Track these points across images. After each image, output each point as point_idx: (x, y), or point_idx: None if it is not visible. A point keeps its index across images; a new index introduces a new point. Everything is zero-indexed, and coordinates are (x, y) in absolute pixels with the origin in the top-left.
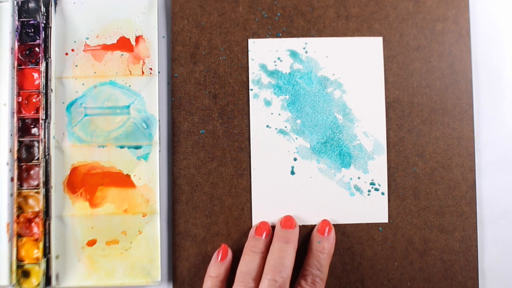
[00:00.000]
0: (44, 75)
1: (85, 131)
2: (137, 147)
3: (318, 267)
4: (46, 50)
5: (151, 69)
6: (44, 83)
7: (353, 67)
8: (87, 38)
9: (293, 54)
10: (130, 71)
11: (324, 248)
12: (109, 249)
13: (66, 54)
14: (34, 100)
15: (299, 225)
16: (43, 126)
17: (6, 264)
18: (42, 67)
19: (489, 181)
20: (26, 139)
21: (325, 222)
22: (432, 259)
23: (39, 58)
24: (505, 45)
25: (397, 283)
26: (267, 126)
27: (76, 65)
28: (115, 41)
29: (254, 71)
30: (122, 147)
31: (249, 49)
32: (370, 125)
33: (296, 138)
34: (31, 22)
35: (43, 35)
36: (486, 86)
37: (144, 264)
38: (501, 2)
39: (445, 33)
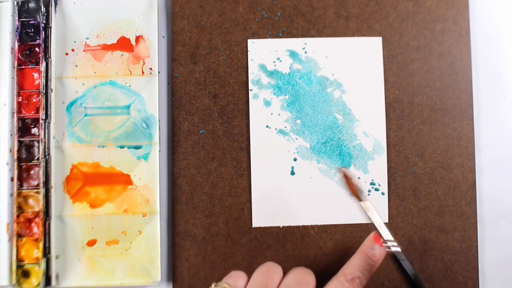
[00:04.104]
0: (44, 75)
1: (85, 131)
2: (137, 147)
3: (361, 271)
4: (46, 50)
5: (151, 69)
6: (44, 83)
7: (352, 67)
8: (87, 38)
9: (293, 54)
10: (130, 71)
11: (374, 255)
12: (109, 249)
13: (66, 54)
14: (34, 100)
15: (299, 225)
16: (43, 126)
17: (6, 264)
18: (42, 67)
19: (489, 181)
20: (26, 139)
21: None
22: (432, 259)
23: (39, 58)
24: (505, 45)
25: (397, 283)
26: (267, 126)
27: (76, 65)
28: (115, 41)
29: (253, 71)
30: (122, 147)
31: (248, 49)
32: (370, 125)
33: (296, 138)
34: (31, 22)
35: (43, 35)
36: (486, 86)
37: (144, 264)
38: (501, 2)
39: (445, 33)
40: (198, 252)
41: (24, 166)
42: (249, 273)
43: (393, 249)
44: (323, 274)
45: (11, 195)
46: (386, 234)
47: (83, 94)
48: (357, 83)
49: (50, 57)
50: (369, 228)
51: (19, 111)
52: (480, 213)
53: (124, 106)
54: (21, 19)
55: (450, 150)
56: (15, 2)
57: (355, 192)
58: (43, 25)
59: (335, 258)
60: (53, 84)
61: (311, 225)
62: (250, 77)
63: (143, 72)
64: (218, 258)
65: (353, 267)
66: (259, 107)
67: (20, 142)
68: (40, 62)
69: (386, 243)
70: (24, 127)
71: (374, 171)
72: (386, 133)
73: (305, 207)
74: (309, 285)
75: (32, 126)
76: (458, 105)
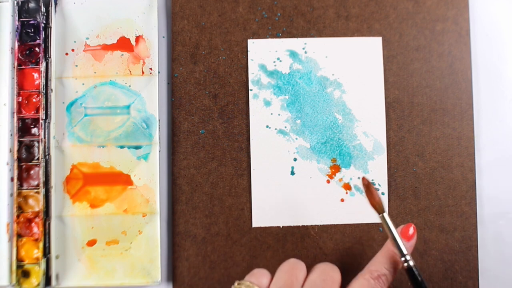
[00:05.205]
0: (44, 75)
1: (85, 131)
2: (137, 147)
3: (387, 268)
4: (46, 50)
5: (151, 69)
6: (44, 83)
7: (352, 67)
8: (87, 38)
9: (293, 54)
10: (130, 71)
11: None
12: (109, 249)
13: (66, 54)
14: (34, 100)
15: (299, 225)
16: (43, 126)
17: (6, 264)
18: (42, 67)
19: (489, 181)
20: (26, 139)
21: (409, 225)
22: (432, 259)
23: (39, 58)
24: (505, 45)
25: (397, 283)
26: (267, 126)
27: (76, 65)
28: (115, 41)
29: (253, 71)
30: (122, 147)
31: (248, 49)
32: (370, 125)
33: (296, 138)
34: (31, 22)
35: (43, 35)
36: (486, 86)
37: (144, 264)
38: (501, 2)
39: (445, 33)
40: (198, 252)
41: (24, 166)
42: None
43: (410, 263)
44: None
45: (11, 195)
46: (403, 248)
47: (83, 94)
48: (357, 83)
49: (50, 57)
50: (369, 228)
51: (19, 111)
52: (480, 213)
53: (124, 106)
54: (21, 19)
55: (450, 150)
56: (15, 2)
57: (376, 204)
58: (43, 25)
59: (335, 258)
60: (53, 84)
61: (311, 225)
62: (250, 77)
63: (143, 72)
64: (218, 258)
65: (379, 264)
66: (259, 107)
67: (20, 142)
68: (40, 62)
69: (404, 257)
70: (24, 127)
71: (374, 171)
72: (386, 133)
73: (305, 207)
74: (334, 282)
75: (32, 126)
76: (458, 105)
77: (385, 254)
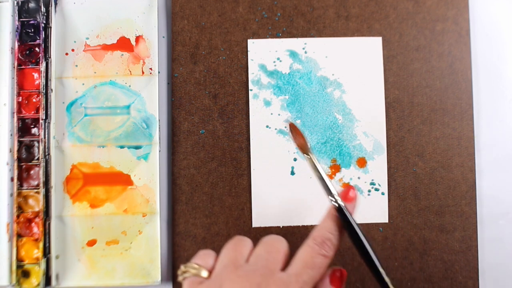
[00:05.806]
0: (44, 75)
1: (85, 131)
2: (137, 147)
3: (331, 232)
4: (46, 50)
5: (151, 69)
6: (44, 83)
7: (352, 67)
8: (87, 38)
9: (293, 54)
10: (130, 71)
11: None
12: (109, 249)
13: (66, 54)
14: (34, 100)
15: (299, 225)
16: (43, 126)
17: (6, 264)
18: (42, 67)
19: (489, 181)
20: (26, 139)
21: (349, 187)
22: (432, 259)
23: (39, 58)
24: (505, 45)
25: (397, 283)
26: (267, 126)
27: (76, 65)
28: (115, 41)
29: (253, 71)
30: (122, 147)
31: (248, 49)
32: (370, 125)
33: None
34: (31, 22)
35: (43, 35)
36: (486, 86)
37: (144, 264)
38: (501, 2)
39: (445, 33)
40: None
41: (24, 166)
42: None
43: (339, 202)
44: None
45: (11, 195)
46: (330, 186)
47: (83, 94)
48: (357, 83)
49: (50, 57)
50: (369, 228)
51: (19, 111)
52: (480, 213)
53: (124, 106)
54: (21, 19)
55: (450, 150)
56: (15, 2)
57: (302, 145)
58: (43, 25)
59: (335, 259)
60: (53, 84)
61: (311, 225)
62: (250, 77)
63: (143, 72)
64: None
65: (322, 229)
66: (259, 107)
67: (20, 142)
68: (40, 62)
69: (332, 196)
70: (24, 127)
71: (374, 171)
72: (386, 133)
73: (305, 207)
74: (279, 253)
75: (32, 126)
76: (458, 105)
77: (328, 218)
